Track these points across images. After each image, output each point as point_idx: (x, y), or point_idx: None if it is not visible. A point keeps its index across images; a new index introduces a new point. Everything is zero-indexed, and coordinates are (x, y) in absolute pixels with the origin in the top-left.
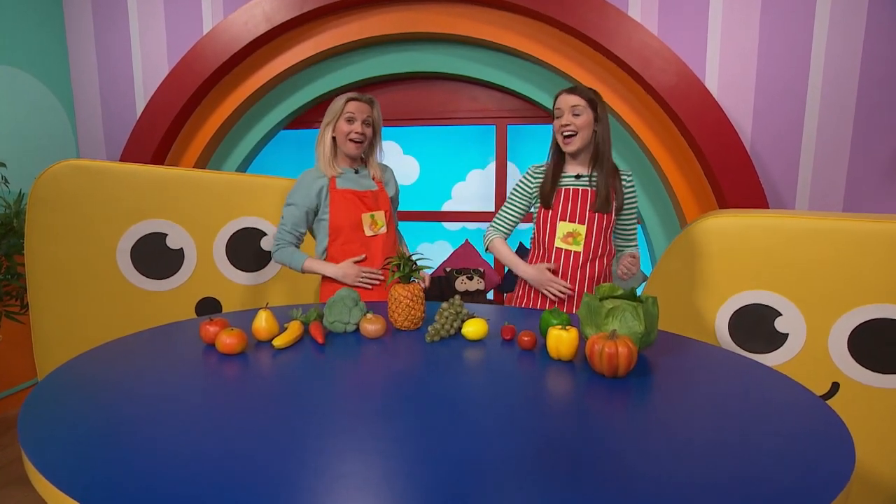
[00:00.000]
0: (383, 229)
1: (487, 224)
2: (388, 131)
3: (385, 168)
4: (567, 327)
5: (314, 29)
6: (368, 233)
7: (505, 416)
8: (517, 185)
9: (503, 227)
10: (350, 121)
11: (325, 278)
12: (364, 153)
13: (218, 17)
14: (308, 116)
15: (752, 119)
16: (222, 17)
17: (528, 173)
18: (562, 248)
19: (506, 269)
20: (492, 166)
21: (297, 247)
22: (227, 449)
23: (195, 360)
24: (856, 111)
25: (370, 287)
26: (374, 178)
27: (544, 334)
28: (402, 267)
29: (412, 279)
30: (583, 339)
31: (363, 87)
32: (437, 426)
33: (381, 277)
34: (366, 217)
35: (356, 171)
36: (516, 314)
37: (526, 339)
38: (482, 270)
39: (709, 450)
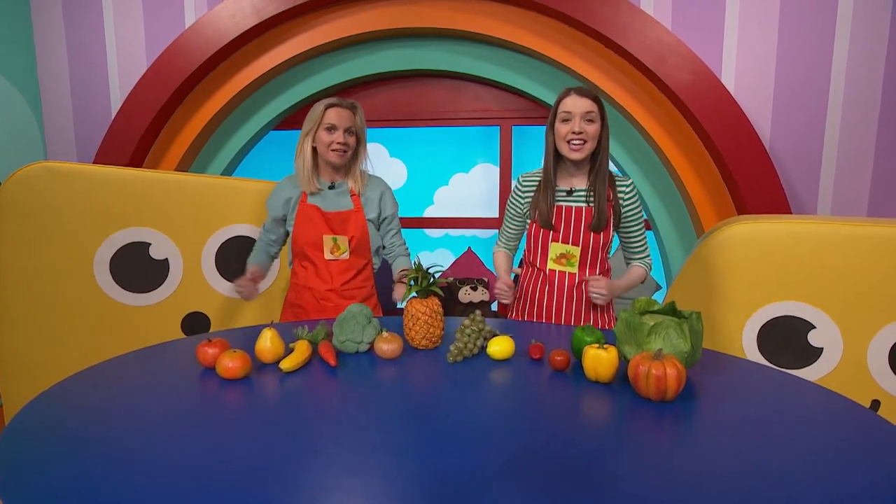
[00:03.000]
0: (345, 255)
1: (471, 231)
2: (373, 132)
3: (374, 183)
4: (605, 346)
5: (307, 23)
6: (328, 256)
7: (546, 449)
8: (509, 199)
9: (505, 244)
10: (330, 130)
11: (286, 300)
12: (347, 164)
13: (202, 9)
14: (299, 116)
15: (772, 119)
16: (206, 10)
17: (516, 186)
18: (555, 270)
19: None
20: (476, 170)
21: (268, 252)
22: (235, 490)
23: (193, 386)
24: (881, 110)
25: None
26: (352, 194)
27: (577, 353)
28: (419, 280)
29: (430, 293)
30: (622, 359)
31: (359, 86)
32: (468, 457)
33: (245, 291)
34: (327, 239)
35: (332, 187)
36: (543, 331)
37: (559, 358)
38: (486, 280)
39: (786, 481)
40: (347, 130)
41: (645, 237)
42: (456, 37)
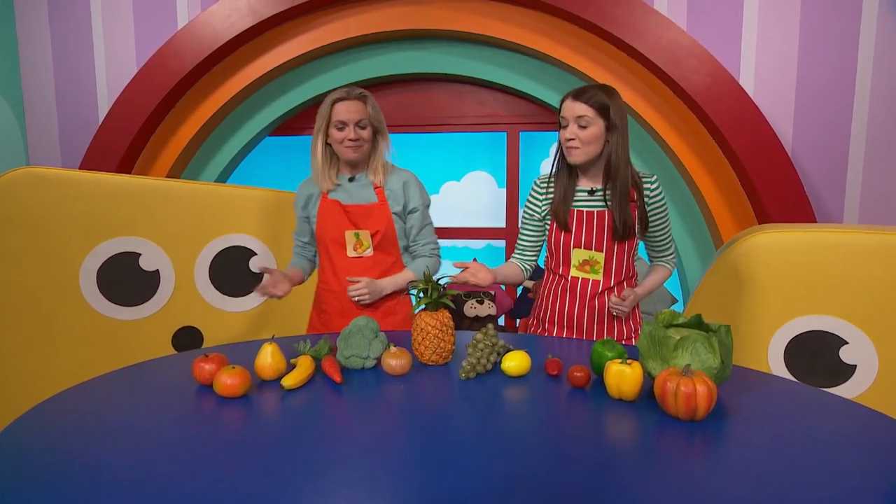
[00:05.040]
0: (369, 251)
1: (462, 241)
2: None
3: (398, 174)
4: (629, 361)
5: (306, 24)
6: (351, 253)
7: (568, 471)
8: (525, 205)
9: (519, 255)
10: (341, 127)
11: (314, 303)
12: (369, 155)
13: (196, 9)
14: (297, 122)
15: (793, 122)
16: (200, 10)
17: (533, 190)
18: (578, 277)
19: (518, 293)
20: (468, 178)
21: (305, 255)
22: None
23: (189, 405)
24: None
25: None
26: (375, 187)
27: (597, 369)
28: (428, 292)
29: (440, 305)
30: (646, 375)
31: None
32: (482, 479)
33: (277, 293)
34: (349, 235)
35: (352, 179)
36: (559, 345)
37: (579, 374)
38: (493, 294)
39: None
40: (358, 124)
41: (670, 235)
42: (460, 39)
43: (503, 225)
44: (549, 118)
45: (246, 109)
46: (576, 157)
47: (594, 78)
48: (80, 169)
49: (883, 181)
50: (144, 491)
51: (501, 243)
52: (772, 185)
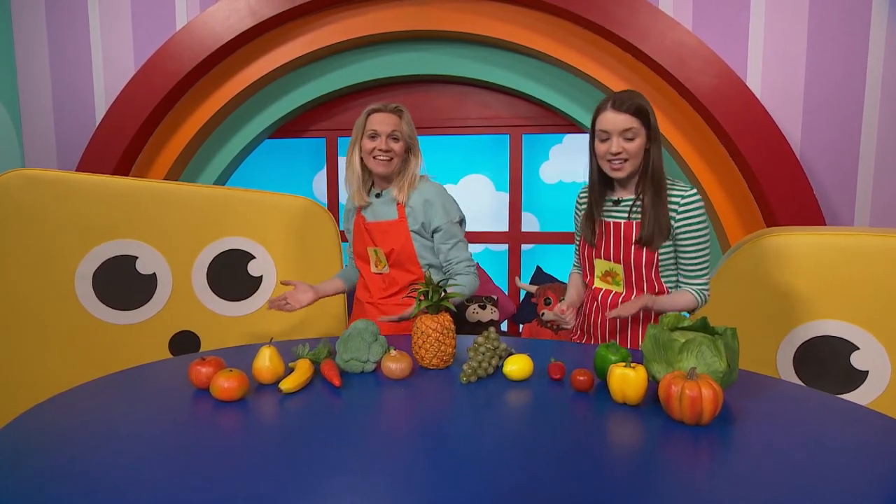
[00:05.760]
0: (385, 269)
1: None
2: None
3: (422, 190)
4: (633, 365)
5: (306, 25)
6: (373, 269)
7: (570, 476)
8: (574, 214)
9: (576, 262)
10: (373, 137)
11: (354, 302)
12: (400, 171)
13: (194, 10)
14: (296, 124)
15: (802, 124)
16: (199, 11)
17: (577, 200)
18: (601, 288)
19: (521, 298)
20: (465, 181)
21: (355, 266)
22: None
23: (185, 408)
24: None
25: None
26: (398, 204)
27: (601, 373)
28: (429, 295)
29: (441, 308)
30: (650, 378)
31: (360, 92)
32: (484, 485)
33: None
34: (371, 251)
35: (378, 195)
36: (561, 349)
37: (582, 378)
38: (495, 298)
39: None
40: (391, 135)
41: (703, 259)
42: (462, 40)
43: (505, 228)
44: (552, 120)
45: (245, 111)
46: (623, 172)
47: (597, 79)
48: (76, 171)
49: (894, 182)
50: (140, 494)
51: (502, 247)
52: (780, 188)
